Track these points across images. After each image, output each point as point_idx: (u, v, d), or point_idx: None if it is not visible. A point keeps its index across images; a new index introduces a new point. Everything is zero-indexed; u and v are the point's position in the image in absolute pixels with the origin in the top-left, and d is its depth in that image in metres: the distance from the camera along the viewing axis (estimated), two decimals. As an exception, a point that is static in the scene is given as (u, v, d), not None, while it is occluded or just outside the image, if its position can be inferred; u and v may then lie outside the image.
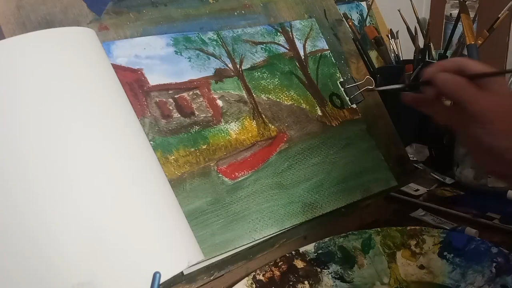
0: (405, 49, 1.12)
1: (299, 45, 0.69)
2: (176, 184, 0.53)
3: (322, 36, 0.72)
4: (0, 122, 0.38)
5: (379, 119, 0.70)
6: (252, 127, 0.61)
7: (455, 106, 0.58)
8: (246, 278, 0.56)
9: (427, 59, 1.00)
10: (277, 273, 0.58)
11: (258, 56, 0.65)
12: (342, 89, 0.69)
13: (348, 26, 0.95)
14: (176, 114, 0.56)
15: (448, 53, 1.02)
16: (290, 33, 0.69)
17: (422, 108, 0.60)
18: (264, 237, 0.56)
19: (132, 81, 0.55)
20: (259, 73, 0.64)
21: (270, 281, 0.57)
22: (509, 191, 0.77)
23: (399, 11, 1.12)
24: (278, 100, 0.64)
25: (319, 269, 0.60)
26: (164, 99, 0.56)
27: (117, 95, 0.46)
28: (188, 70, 0.59)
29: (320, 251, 0.61)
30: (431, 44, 1.05)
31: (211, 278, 0.53)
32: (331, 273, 0.60)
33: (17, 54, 0.39)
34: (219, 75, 0.61)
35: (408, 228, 0.63)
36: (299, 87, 0.66)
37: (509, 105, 0.55)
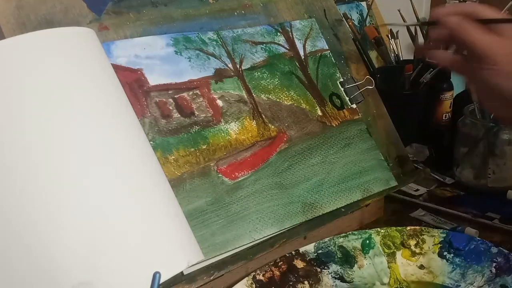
0: (405, 49, 1.11)
1: (299, 45, 0.69)
2: (176, 184, 0.53)
3: (322, 36, 0.71)
4: (0, 123, 0.38)
5: (379, 119, 0.70)
6: (252, 127, 0.61)
7: (463, 51, 0.58)
8: (246, 278, 0.56)
9: (427, 59, 1.00)
10: (277, 273, 0.58)
11: (258, 56, 0.65)
12: (342, 89, 0.69)
13: (348, 26, 0.95)
14: (176, 114, 0.56)
15: (448, 53, 1.02)
16: (290, 33, 0.69)
17: (432, 57, 0.60)
18: (264, 237, 0.56)
19: (132, 81, 0.55)
20: (259, 73, 0.64)
21: (270, 281, 0.57)
22: (509, 191, 0.77)
23: (399, 11, 1.12)
24: (278, 100, 0.64)
25: (319, 269, 0.60)
26: (164, 99, 0.56)
27: (117, 95, 0.46)
28: (188, 70, 0.59)
29: (320, 251, 0.61)
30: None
31: (211, 278, 0.53)
32: (331, 273, 0.60)
33: (17, 54, 0.39)
34: (219, 75, 0.61)
35: (408, 228, 0.63)
36: (299, 87, 0.66)
37: None
